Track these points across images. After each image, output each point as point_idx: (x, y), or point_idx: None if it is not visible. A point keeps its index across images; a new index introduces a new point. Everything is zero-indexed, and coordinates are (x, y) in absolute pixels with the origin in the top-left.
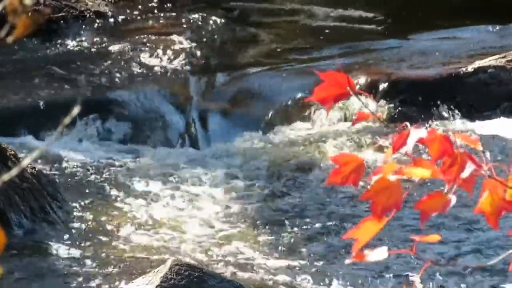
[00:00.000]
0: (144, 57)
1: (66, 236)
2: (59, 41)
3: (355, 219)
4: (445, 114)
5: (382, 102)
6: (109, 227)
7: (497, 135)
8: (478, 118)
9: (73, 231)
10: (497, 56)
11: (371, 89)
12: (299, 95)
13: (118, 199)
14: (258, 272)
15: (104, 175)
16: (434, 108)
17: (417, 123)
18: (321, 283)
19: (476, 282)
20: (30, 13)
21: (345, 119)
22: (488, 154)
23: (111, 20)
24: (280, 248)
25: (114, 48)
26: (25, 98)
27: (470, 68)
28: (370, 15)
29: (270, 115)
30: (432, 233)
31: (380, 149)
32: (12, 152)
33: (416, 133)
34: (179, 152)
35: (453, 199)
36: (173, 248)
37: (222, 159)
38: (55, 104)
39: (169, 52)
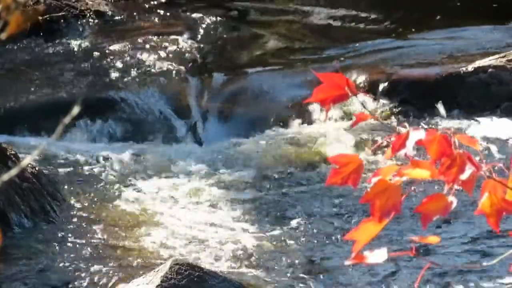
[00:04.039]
0: (144, 57)
1: (66, 236)
2: (59, 40)
3: (356, 219)
4: (445, 114)
5: (382, 102)
6: (109, 226)
7: (497, 135)
8: (478, 118)
9: (73, 231)
10: (497, 56)
11: (371, 89)
12: (299, 95)
13: (118, 199)
14: (258, 272)
15: (104, 175)
16: (434, 108)
17: (417, 123)
18: (322, 283)
19: (476, 283)
20: (27, 11)
21: (345, 119)
22: (488, 153)
23: (111, 20)
24: (280, 247)
25: (114, 48)
26: (25, 98)
27: (470, 68)
28: (370, 15)
29: (270, 114)
30: (430, 234)
31: (380, 149)
32: (12, 152)
33: (415, 134)
34: (179, 151)
35: (454, 202)
36: (173, 248)
37: (222, 158)
38: (55, 104)
39: (169, 52)
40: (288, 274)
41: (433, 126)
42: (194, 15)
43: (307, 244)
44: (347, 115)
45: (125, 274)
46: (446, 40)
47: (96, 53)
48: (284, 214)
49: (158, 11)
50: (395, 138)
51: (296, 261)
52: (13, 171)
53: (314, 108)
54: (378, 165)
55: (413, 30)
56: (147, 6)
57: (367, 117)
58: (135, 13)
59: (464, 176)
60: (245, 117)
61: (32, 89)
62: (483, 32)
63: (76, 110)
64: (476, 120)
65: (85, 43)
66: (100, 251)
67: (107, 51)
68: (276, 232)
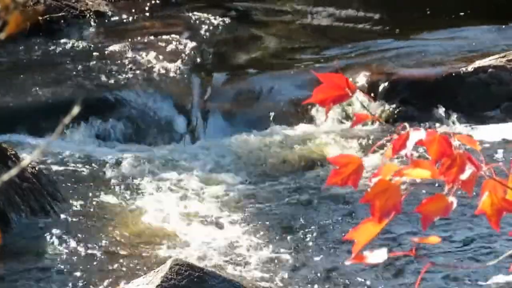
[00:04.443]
0: (144, 57)
1: (66, 236)
2: (59, 41)
3: (356, 219)
4: (445, 114)
5: (382, 102)
6: (109, 226)
7: (497, 134)
8: (478, 117)
9: (73, 231)
10: (497, 56)
11: (371, 89)
12: (299, 95)
13: (118, 198)
14: (258, 272)
15: (104, 175)
16: (434, 108)
17: (417, 123)
18: (322, 283)
19: (476, 282)
20: (26, 11)
21: (345, 120)
22: (488, 153)
23: (111, 20)
24: (280, 247)
25: (114, 48)
26: (25, 97)
27: (470, 68)
28: (370, 15)
29: (270, 114)
30: (431, 234)
31: (380, 150)
32: (13, 152)
33: (415, 134)
34: (179, 151)
35: (455, 202)
36: (173, 248)
37: (223, 159)
38: (55, 104)
39: (169, 52)
40: (288, 274)
41: (433, 126)
42: (194, 15)
43: (307, 243)
44: (347, 116)
45: (125, 274)
46: (446, 40)
47: (96, 53)
48: (284, 214)
49: (158, 11)
50: (395, 138)
51: (296, 261)
52: (13, 171)
53: (314, 108)
54: (378, 166)
55: (413, 30)
56: (147, 6)
57: (367, 117)
58: (135, 13)
59: (464, 176)
60: (245, 117)
61: (32, 89)
62: (483, 32)
63: (76, 110)
64: (476, 120)
65: (85, 43)
66: (100, 251)
67: (107, 51)
68: (276, 232)
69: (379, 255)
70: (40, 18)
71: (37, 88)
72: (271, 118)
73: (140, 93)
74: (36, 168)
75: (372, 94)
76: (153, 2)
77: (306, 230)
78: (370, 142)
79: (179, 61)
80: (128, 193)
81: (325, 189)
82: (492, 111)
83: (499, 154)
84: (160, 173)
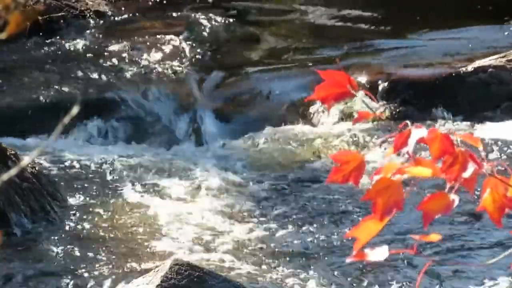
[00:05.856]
0: (144, 57)
1: (66, 236)
2: (59, 40)
3: (357, 217)
4: (445, 114)
5: (382, 102)
6: (109, 227)
7: (497, 134)
8: (478, 118)
9: (73, 231)
10: (497, 56)
11: (371, 89)
12: (299, 95)
13: (118, 199)
14: (258, 272)
15: (104, 175)
16: (434, 108)
17: (417, 123)
18: (322, 283)
19: (476, 280)
20: (27, 10)
21: (346, 119)
22: (488, 153)
23: (111, 20)
24: (280, 247)
25: (114, 48)
26: (25, 97)
27: (470, 68)
28: (370, 15)
29: (270, 114)
30: (432, 232)
31: (381, 148)
32: (12, 152)
33: (417, 132)
34: (179, 151)
35: (456, 199)
36: (173, 248)
37: (223, 159)
38: (55, 104)
39: (169, 52)
40: (289, 274)
41: (433, 126)
42: (194, 15)
43: (308, 244)
44: (348, 115)
45: (125, 274)
46: (446, 40)
47: (96, 53)
48: (285, 214)
49: (158, 11)
50: (397, 136)
51: (297, 261)
52: (13, 171)
53: (315, 108)
54: (380, 163)
55: (413, 30)
56: (147, 6)
57: (369, 115)
58: (135, 13)
59: (466, 174)
60: (245, 117)
61: (32, 89)
62: (483, 32)
63: (75, 110)
64: (476, 120)
65: (85, 43)
66: (100, 251)
67: (107, 51)
68: (277, 232)
69: (379, 253)
70: (40, 17)
71: (37, 88)
72: (271, 118)
73: (140, 93)
74: (36, 168)
75: (372, 94)
76: (153, 2)
77: (309, 230)
78: (371, 141)
79: (179, 61)
80: (128, 194)
81: (327, 188)
82: (492, 111)
83: (499, 154)
84: (160, 173)
